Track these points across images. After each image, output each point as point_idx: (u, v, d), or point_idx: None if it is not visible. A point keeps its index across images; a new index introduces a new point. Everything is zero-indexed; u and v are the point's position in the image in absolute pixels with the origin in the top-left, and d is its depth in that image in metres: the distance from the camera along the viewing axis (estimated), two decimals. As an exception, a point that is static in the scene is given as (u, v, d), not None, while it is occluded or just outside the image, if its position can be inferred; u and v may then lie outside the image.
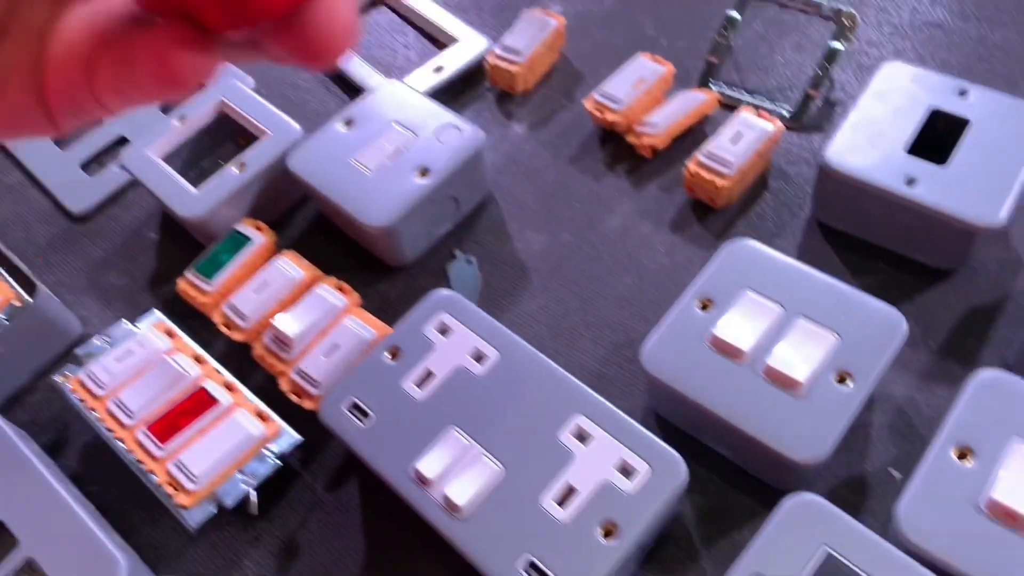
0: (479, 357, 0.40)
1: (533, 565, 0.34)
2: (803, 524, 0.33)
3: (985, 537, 0.32)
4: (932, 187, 0.42)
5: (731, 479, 0.40)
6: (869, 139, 0.44)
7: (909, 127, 0.44)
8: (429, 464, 0.37)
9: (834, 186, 0.45)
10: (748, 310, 0.39)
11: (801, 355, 0.37)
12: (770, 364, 0.37)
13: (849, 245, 0.47)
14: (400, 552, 0.40)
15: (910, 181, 0.42)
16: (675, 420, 0.42)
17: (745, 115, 0.49)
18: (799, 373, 0.37)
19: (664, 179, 0.52)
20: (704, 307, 0.40)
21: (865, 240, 0.46)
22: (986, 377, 0.36)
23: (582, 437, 0.37)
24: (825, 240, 0.47)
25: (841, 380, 0.37)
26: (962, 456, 0.34)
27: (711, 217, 0.49)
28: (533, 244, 0.50)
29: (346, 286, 0.47)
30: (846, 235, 0.47)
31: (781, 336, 0.38)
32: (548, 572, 0.34)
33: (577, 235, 0.50)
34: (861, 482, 0.39)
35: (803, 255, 0.47)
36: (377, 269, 0.51)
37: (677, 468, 0.36)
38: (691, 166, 0.48)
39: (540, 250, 0.50)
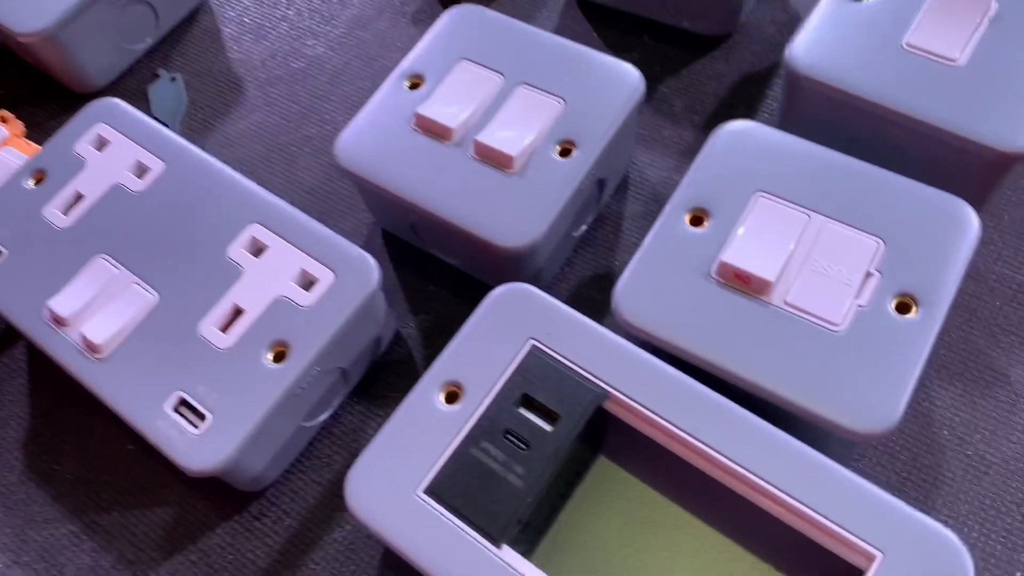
0: (141, 172, 0.33)
1: (184, 402, 0.28)
2: (508, 317, 0.27)
3: (713, 306, 0.27)
4: (683, -74, 0.35)
5: (461, 292, 0.34)
6: None
7: None
8: (65, 300, 0.30)
9: (580, -57, 0.38)
10: (462, 82, 0.32)
11: (517, 127, 0.31)
12: (479, 140, 0.30)
13: (612, 21, 0.40)
14: (66, 412, 0.33)
15: (658, -78, 0.35)
16: (395, 229, 0.35)
17: None
18: (511, 147, 0.30)
19: (407, -33, 0.43)
20: (414, 86, 0.33)
21: (629, 12, 0.39)
22: (730, 129, 0.30)
23: (258, 251, 0.30)
24: (586, 18, 0.40)
25: (564, 152, 0.30)
26: (696, 222, 0.28)
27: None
28: (252, 54, 0.42)
29: (8, 114, 0.38)
30: (608, 9, 0.40)
31: (498, 109, 0.31)
32: (201, 408, 0.27)
33: (302, 38, 0.42)
34: (609, 279, 0.34)
35: (561, 35, 0.40)
36: (65, 99, 0.42)
37: (367, 272, 0.29)
38: (424, -60, 0.40)
39: (259, 60, 0.42)
